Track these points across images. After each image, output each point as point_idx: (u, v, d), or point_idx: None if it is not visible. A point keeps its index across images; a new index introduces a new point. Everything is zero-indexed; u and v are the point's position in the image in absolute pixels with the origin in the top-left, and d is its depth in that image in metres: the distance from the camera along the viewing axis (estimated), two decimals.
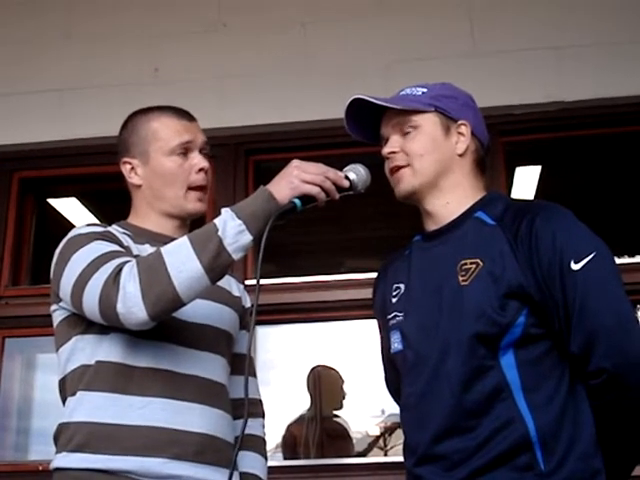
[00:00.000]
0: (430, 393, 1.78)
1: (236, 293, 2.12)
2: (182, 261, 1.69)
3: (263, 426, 2.15)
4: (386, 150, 1.91)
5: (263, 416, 2.16)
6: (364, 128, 1.98)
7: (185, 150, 1.99)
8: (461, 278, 1.79)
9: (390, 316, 1.93)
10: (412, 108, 1.89)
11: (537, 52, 3.56)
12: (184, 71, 3.75)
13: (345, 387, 4.58)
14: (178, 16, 3.85)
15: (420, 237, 1.97)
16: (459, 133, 1.90)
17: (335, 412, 4.58)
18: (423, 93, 1.92)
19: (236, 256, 1.71)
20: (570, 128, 3.64)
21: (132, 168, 2.01)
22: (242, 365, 2.04)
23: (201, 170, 1.99)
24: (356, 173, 1.83)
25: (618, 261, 3.07)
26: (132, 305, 1.68)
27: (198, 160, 1.99)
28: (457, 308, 1.77)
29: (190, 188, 1.99)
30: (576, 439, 1.70)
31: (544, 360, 1.74)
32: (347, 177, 1.82)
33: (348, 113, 1.94)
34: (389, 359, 1.98)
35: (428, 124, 1.89)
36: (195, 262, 1.69)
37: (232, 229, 1.69)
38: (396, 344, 1.90)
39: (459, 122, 1.90)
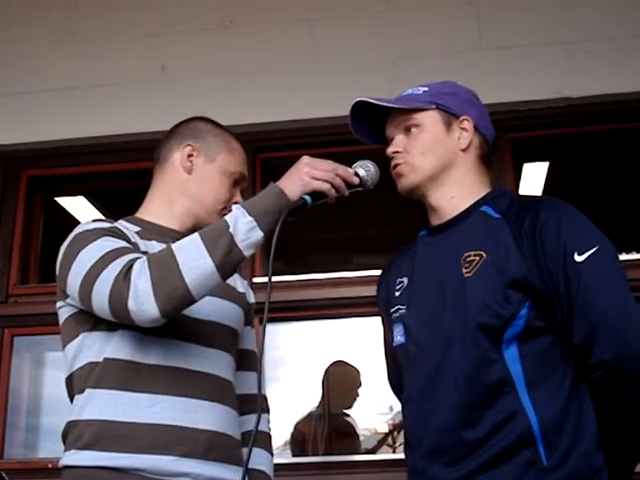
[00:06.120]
0: (434, 386, 1.78)
1: (241, 289, 2.13)
2: (194, 258, 1.69)
3: (268, 421, 2.16)
4: (389, 150, 1.93)
5: (268, 412, 2.17)
6: (370, 130, 2.00)
7: (237, 181, 2.05)
8: (465, 270, 1.80)
9: (393, 309, 1.94)
10: (413, 107, 1.91)
11: (544, 48, 3.56)
12: (191, 69, 3.76)
13: (360, 389, 4.58)
14: (185, 14, 3.85)
15: (425, 232, 1.98)
16: (462, 128, 1.91)
17: (344, 410, 4.59)
18: (424, 92, 1.94)
19: (247, 253, 1.71)
20: (578, 124, 3.64)
21: (191, 155, 2.03)
22: (248, 361, 2.08)
23: (236, 204, 2.01)
24: (365, 169, 1.84)
25: (625, 257, 3.07)
26: (144, 302, 1.68)
27: (240, 197, 2.05)
28: (460, 300, 1.78)
29: (225, 208, 2.01)
30: (579, 436, 1.70)
31: (547, 354, 1.74)
32: (357, 173, 1.82)
33: (353, 116, 1.96)
34: (392, 353, 1.99)
35: (429, 121, 1.91)
36: (207, 259, 1.68)
37: (243, 226, 1.69)
38: (399, 337, 1.91)
39: (461, 117, 1.92)
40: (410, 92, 1.96)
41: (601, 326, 1.67)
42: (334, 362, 4.59)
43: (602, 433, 1.72)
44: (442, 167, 1.89)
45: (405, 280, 1.95)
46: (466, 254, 1.81)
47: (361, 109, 1.94)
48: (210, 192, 2.01)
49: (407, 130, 1.92)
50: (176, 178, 2.03)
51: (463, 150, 1.91)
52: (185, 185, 2.02)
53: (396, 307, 1.93)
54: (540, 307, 1.73)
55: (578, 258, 1.70)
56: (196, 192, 2.01)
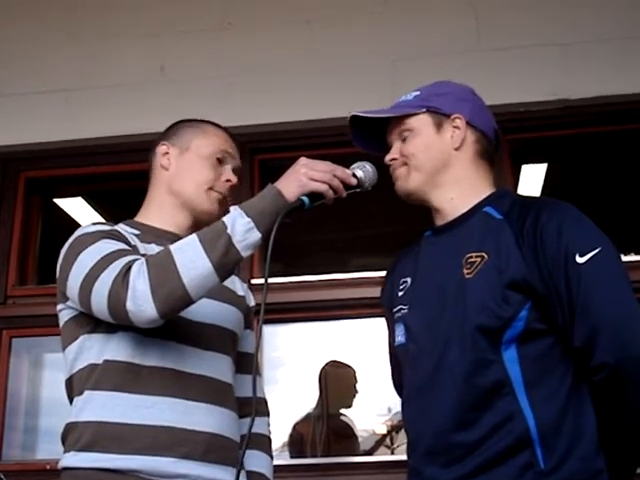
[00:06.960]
0: (432, 386, 1.79)
1: (240, 292, 2.13)
2: (191, 259, 1.70)
3: (268, 424, 2.16)
4: (387, 158, 1.97)
5: (268, 415, 2.17)
6: (376, 139, 2.02)
7: (221, 159, 2.04)
8: (466, 271, 1.80)
9: (396, 309, 1.95)
10: (402, 113, 1.94)
11: (542, 49, 3.56)
12: (190, 70, 3.75)
13: (357, 386, 4.58)
14: (184, 15, 3.85)
15: (430, 232, 1.99)
16: (454, 127, 1.92)
17: (342, 410, 4.58)
18: (415, 97, 1.97)
19: (245, 254, 1.72)
20: (576, 126, 3.63)
21: (167, 153, 2.05)
22: (247, 364, 2.08)
23: (228, 181, 2.04)
24: (363, 171, 1.85)
25: (625, 258, 3.06)
26: (142, 303, 1.68)
27: (230, 174, 2.05)
28: (461, 301, 1.78)
29: (212, 189, 2.02)
30: (578, 438, 1.69)
31: (547, 356, 1.74)
32: (354, 174, 1.83)
33: (358, 127, 1.98)
34: (395, 353, 1.99)
35: (420, 125, 1.93)
36: (205, 260, 1.69)
37: (241, 227, 1.70)
38: (400, 337, 1.92)
39: (452, 116, 1.92)
40: (403, 99, 1.99)
41: (602, 327, 1.67)
42: (329, 362, 4.58)
43: (603, 436, 1.72)
44: (437, 169, 1.90)
45: (409, 280, 1.95)
46: (468, 255, 1.82)
47: (362, 120, 1.97)
48: (188, 178, 2.02)
49: (402, 137, 1.94)
50: (161, 178, 2.06)
51: (456, 149, 1.92)
52: (168, 182, 2.04)
53: (399, 307, 1.94)
54: (541, 309, 1.73)
55: (580, 259, 1.70)
56: (177, 185, 2.03)
